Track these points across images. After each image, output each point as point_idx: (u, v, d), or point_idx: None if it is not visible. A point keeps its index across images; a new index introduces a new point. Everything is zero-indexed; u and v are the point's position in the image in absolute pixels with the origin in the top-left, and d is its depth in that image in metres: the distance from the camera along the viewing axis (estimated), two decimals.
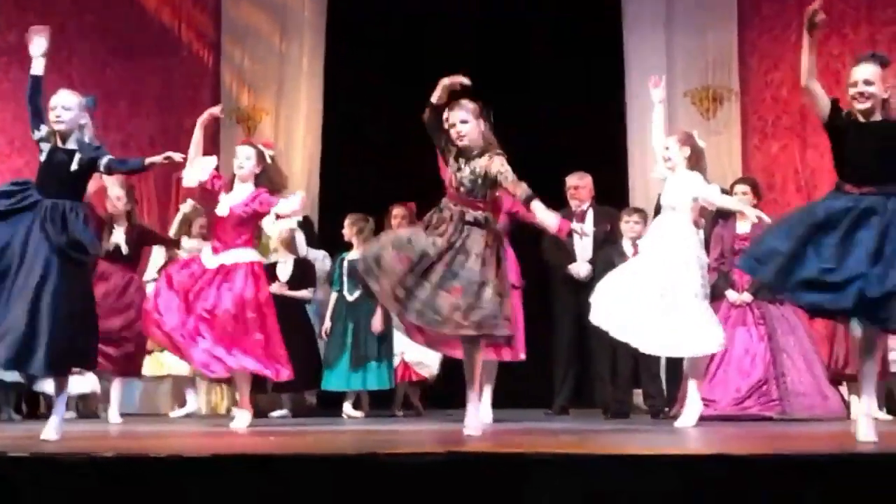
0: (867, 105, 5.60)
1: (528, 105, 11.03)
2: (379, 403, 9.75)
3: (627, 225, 9.00)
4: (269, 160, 7.81)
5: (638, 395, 9.37)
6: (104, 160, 6.28)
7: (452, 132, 6.39)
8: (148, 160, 6.56)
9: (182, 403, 10.15)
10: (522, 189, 6.26)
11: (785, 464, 4.53)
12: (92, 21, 11.66)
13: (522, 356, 8.24)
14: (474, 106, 6.40)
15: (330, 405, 9.78)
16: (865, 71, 5.65)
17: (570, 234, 7.01)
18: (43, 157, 6.27)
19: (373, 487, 4.47)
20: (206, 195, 8.11)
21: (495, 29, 11.29)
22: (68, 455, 4.78)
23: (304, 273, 9.70)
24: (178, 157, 6.56)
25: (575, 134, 10.93)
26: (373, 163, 11.32)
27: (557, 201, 9.62)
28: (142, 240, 9.04)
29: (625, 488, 4.39)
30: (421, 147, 11.07)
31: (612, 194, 10.16)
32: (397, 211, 9.33)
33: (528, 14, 11.38)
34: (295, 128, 11.74)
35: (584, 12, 11.18)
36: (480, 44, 11.19)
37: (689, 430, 7.17)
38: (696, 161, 7.60)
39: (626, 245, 8.93)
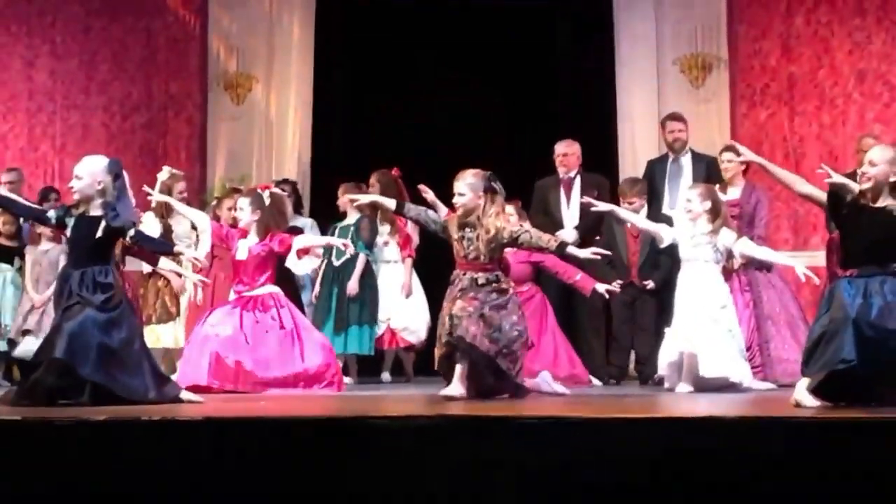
0: (867, 185, 5.72)
1: (519, 74, 11.01)
2: (369, 370, 9.73)
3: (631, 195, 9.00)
4: (266, 202, 8.14)
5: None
6: (132, 233, 6.38)
7: (456, 201, 6.87)
8: (177, 249, 7.08)
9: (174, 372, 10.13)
10: (548, 239, 6.95)
11: (762, 426, 4.60)
12: None
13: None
14: (473, 180, 6.79)
15: None
16: (875, 152, 5.78)
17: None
18: (69, 229, 6.32)
19: (357, 449, 4.51)
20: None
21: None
22: (62, 419, 4.82)
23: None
24: (199, 262, 7.15)
25: (564, 102, 10.91)
26: (364, 131, 11.29)
27: (546, 168, 9.67)
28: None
29: (612, 449, 4.44)
30: (411, 114, 11.21)
31: (601, 162, 10.15)
32: (373, 179, 9.36)
33: None
34: (285, 95, 11.63)
35: None
36: (471, 14, 11.14)
37: (677, 395, 7.25)
38: (716, 214, 7.76)
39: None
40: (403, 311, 9.51)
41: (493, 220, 6.72)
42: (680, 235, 7.88)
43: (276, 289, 8.10)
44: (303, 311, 8.82)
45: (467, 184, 6.75)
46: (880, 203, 5.67)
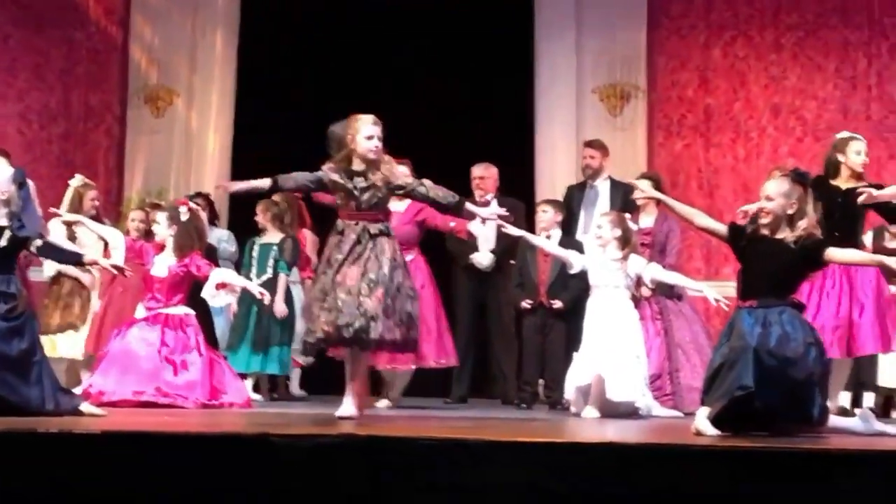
0: (766, 220, 5.81)
1: (439, 97, 11.04)
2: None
3: (545, 215, 9.04)
4: (184, 217, 8.12)
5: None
6: (38, 243, 6.33)
7: (368, 145, 6.59)
8: (87, 259, 6.94)
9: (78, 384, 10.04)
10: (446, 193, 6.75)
11: (668, 453, 4.64)
12: None
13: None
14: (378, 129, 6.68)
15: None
16: (769, 186, 5.85)
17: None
18: None
19: (266, 467, 4.50)
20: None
21: (407, 21, 11.25)
22: None
23: (208, 255, 9.62)
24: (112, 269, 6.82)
25: (484, 127, 10.97)
26: (284, 147, 11.24)
27: (463, 191, 9.69)
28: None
29: (515, 475, 4.46)
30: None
31: (517, 187, 10.20)
32: (277, 198, 9.38)
33: (442, 8, 11.37)
34: (206, 110, 11.59)
35: (495, 8, 11.19)
36: (394, 36, 11.18)
37: (584, 421, 7.30)
38: (626, 241, 7.89)
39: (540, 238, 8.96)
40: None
41: (388, 169, 6.63)
42: (590, 262, 7.97)
43: (190, 311, 8.10)
44: (213, 333, 8.80)
45: (380, 126, 6.66)
46: (779, 235, 5.77)
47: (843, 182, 7.28)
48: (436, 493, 4.42)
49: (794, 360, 5.58)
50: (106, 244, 8.60)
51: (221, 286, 8.00)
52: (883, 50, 10.90)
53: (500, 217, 7.19)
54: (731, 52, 11.09)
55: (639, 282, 8.14)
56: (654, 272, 7.91)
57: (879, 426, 5.91)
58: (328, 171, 6.65)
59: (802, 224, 5.75)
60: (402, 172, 6.97)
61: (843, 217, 7.06)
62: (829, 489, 4.37)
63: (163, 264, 8.03)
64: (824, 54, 10.97)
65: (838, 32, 10.97)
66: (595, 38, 11.17)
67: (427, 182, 6.80)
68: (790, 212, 5.75)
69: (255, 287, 8.19)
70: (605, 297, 7.81)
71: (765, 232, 5.81)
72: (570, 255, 8.11)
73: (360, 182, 6.57)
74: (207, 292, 8.03)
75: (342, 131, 6.65)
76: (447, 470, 4.47)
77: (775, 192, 5.79)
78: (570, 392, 7.89)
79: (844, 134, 7.58)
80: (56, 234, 8.66)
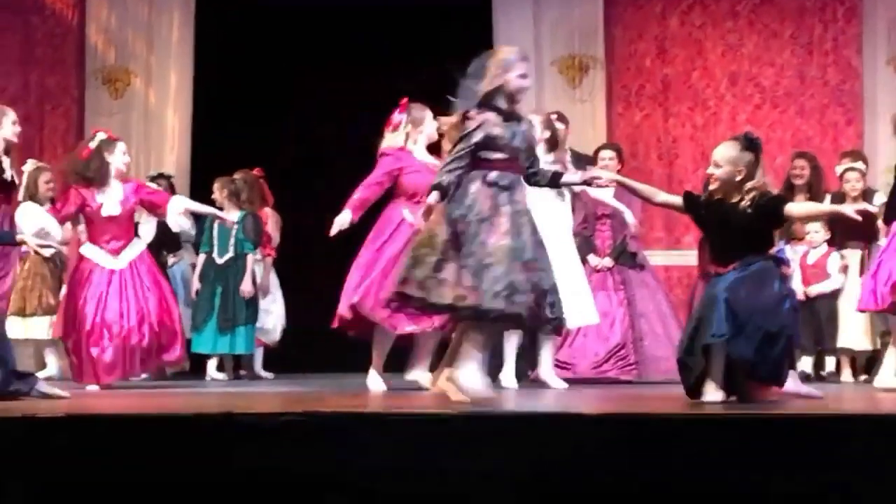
0: (714, 186, 5.85)
1: (397, 73, 11.00)
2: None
3: None
4: (97, 145, 8.08)
5: None
6: None
7: (521, 83, 5.79)
8: (19, 237, 6.61)
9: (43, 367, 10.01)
10: None
11: (636, 423, 4.66)
12: None
13: None
14: None
15: (197, 368, 9.72)
16: (717, 152, 5.83)
17: None
18: None
19: (231, 446, 4.51)
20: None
21: None
22: None
23: (166, 233, 9.62)
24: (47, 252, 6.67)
25: (443, 101, 10.93)
26: (243, 127, 11.23)
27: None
28: None
29: (477, 445, 4.47)
30: (290, 110, 11.19)
31: None
32: (237, 177, 9.38)
33: None
34: (164, 90, 11.53)
35: None
36: (350, 13, 11.13)
37: (546, 391, 7.33)
38: (554, 143, 7.78)
39: None
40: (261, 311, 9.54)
41: None
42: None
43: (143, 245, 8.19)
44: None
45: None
46: (735, 200, 5.77)
47: None
48: (406, 474, 4.42)
49: (767, 310, 5.59)
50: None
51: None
52: (839, 15, 10.96)
53: None
54: (688, 21, 11.13)
55: (600, 254, 8.12)
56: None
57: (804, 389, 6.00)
58: (486, 125, 5.69)
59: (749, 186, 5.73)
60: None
61: None
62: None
63: (112, 202, 7.95)
64: (780, 21, 11.02)
65: None
66: (553, 11, 11.18)
67: None
68: (738, 178, 5.71)
69: (214, 210, 8.34)
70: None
71: (719, 197, 5.83)
72: None
73: (515, 126, 5.79)
74: (171, 218, 8.17)
75: (488, 67, 5.77)
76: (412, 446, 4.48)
77: (722, 158, 5.77)
78: None
79: None
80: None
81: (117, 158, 8.01)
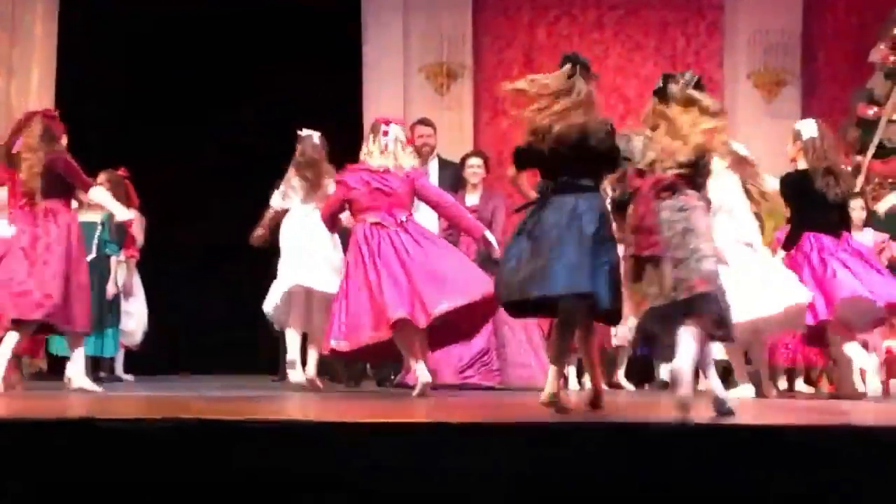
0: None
1: (267, 77, 10.99)
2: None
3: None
4: None
5: None
6: None
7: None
8: None
9: None
10: None
11: (496, 431, 4.70)
12: None
13: None
14: None
15: (57, 370, 9.53)
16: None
17: None
18: None
19: (93, 452, 4.45)
20: None
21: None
22: None
23: None
24: None
25: (312, 105, 10.94)
26: (109, 118, 11.11)
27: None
28: None
29: (351, 456, 4.47)
30: (156, 106, 11.07)
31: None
32: (101, 178, 9.21)
33: None
34: (27, 86, 11.37)
35: None
36: (222, 15, 11.07)
37: (412, 399, 7.34)
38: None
39: None
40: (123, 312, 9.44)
41: None
42: None
43: None
44: None
45: None
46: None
47: None
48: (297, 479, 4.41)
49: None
50: None
51: None
52: (701, 29, 11.23)
53: None
54: (556, 31, 11.30)
55: None
56: None
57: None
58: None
59: None
60: None
61: None
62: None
63: None
64: (644, 33, 11.27)
65: (657, 12, 11.27)
66: (422, 18, 11.27)
67: None
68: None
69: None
70: None
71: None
72: None
73: None
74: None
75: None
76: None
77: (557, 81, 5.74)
78: None
79: None
80: None
81: None
